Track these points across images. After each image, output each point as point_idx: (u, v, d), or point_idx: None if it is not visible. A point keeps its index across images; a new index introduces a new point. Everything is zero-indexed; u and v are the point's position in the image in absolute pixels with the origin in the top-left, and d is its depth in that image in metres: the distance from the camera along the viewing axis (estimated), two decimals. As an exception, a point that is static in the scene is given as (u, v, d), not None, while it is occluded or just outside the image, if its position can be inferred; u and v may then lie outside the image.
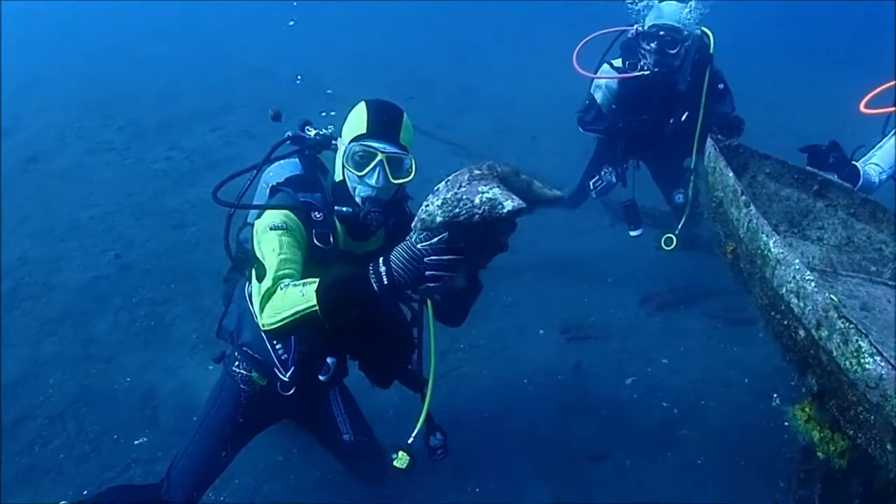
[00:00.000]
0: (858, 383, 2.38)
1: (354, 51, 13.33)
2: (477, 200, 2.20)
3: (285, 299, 2.56)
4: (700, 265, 6.06)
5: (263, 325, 2.63)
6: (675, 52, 5.16)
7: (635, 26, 5.27)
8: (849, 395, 2.48)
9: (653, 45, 5.16)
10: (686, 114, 5.37)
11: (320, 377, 3.13)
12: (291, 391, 3.14)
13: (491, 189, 2.22)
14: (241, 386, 3.33)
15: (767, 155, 3.73)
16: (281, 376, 3.14)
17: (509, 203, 2.18)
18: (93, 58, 12.38)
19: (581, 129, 5.67)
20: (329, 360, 3.13)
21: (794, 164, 3.76)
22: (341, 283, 2.50)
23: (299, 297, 2.51)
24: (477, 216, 2.20)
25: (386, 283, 2.38)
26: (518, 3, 16.63)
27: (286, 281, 2.64)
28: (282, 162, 3.25)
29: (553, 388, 4.74)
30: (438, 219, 2.27)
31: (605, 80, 5.45)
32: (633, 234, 5.92)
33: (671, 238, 5.59)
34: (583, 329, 5.42)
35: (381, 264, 2.40)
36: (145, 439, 4.32)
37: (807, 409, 2.91)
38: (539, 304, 5.75)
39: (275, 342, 3.10)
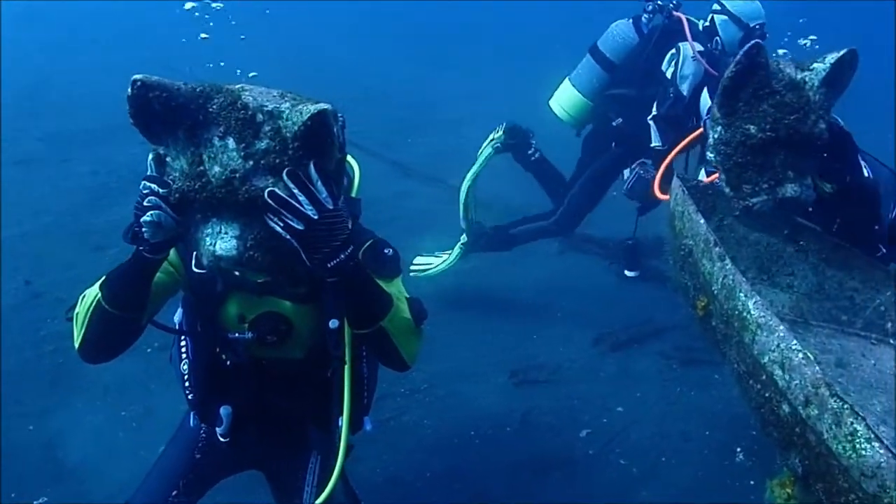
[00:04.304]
0: (852, 470, 2.10)
1: (306, 61, 12.94)
2: None
3: (83, 304, 2.32)
4: (651, 298, 5.90)
5: (77, 349, 2.38)
6: None
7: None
8: (840, 481, 2.19)
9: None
10: None
11: (216, 429, 2.71)
12: (227, 440, 2.73)
13: None
14: None
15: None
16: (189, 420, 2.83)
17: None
18: (25, 64, 11.71)
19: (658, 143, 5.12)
20: (223, 411, 2.67)
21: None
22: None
23: (91, 295, 2.29)
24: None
25: (130, 238, 2.07)
26: (474, 29, 16.58)
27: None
28: None
29: (502, 443, 4.42)
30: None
31: (693, 68, 5.08)
32: (629, 274, 5.63)
33: None
34: (532, 372, 5.12)
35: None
36: (46, 499, 3.89)
37: (787, 488, 2.61)
38: (485, 341, 5.45)
39: (185, 382, 2.73)
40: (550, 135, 5.99)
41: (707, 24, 5.19)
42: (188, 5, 10.13)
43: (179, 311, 2.72)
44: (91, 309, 2.26)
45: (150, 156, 1.99)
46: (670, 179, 3.89)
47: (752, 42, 2.89)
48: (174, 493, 2.88)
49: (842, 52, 2.88)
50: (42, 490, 3.92)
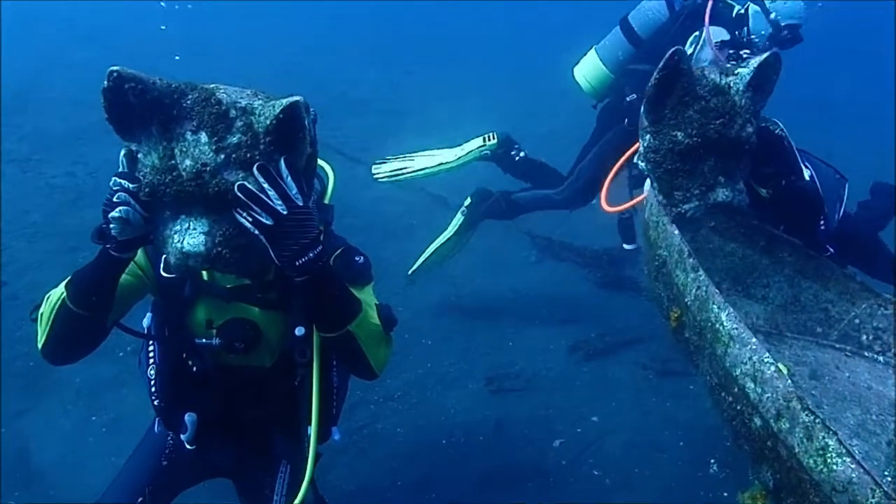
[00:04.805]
0: (823, 485, 2.09)
1: (284, 63, 12.86)
2: None
3: (48, 304, 2.28)
4: (628, 308, 5.91)
5: (40, 349, 2.34)
6: None
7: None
8: (811, 495, 2.18)
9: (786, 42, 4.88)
10: None
11: (181, 436, 2.65)
12: (194, 447, 2.67)
13: None
14: None
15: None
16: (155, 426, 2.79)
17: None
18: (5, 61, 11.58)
19: None
20: (188, 418, 2.62)
21: (740, 218, 3.50)
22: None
23: (56, 294, 2.26)
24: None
25: (98, 237, 2.05)
26: (454, 30, 16.54)
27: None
28: None
29: (475, 451, 4.38)
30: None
31: (709, 55, 4.88)
32: (627, 247, 5.52)
33: None
34: (507, 380, 5.08)
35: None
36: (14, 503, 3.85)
37: (759, 501, 2.60)
38: (461, 348, 5.41)
39: (152, 388, 2.66)
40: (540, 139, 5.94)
41: (742, 11, 4.98)
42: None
43: (149, 315, 2.67)
44: (56, 308, 2.22)
45: (122, 152, 1.98)
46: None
47: (673, 49, 2.89)
48: (140, 499, 2.83)
49: (765, 56, 2.92)
50: (10, 494, 3.87)
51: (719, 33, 4.88)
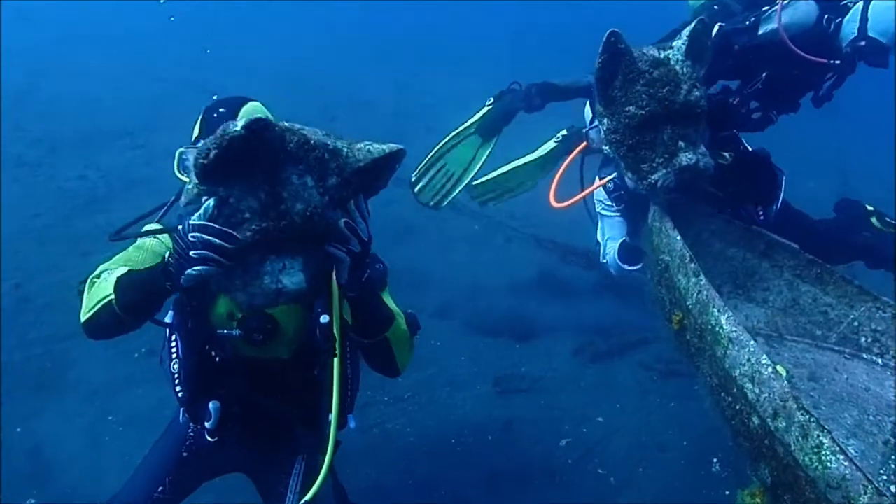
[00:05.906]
0: (818, 481, 2.17)
1: (290, 68, 12.93)
2: (210, 140, 1.87)
3: (97, 290, 2.40)
4: (632, 310, 5.93)
5: (81, 324, 2.46)
6: None
7: None
8: (807, 492, 2.26)
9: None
10: None
11: (206, 424, 2.72)
12: (215, 438, 2.76)
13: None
14: None
15: (713, 213, 3.55)
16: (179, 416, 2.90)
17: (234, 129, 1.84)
18: (14, 66, 11.66)
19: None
20: (211, 405, 2.69)
21: (740, 223, 3.58)
22: (140, 273, 2.33)
23: (107, 286, 2.36)
24: (213, 152, 1.84)
25: (163, 272, 2.12)
26: (461, 34, 16.56)
27: (108, 272, 2.44)
28: None
29: (483, 450, 4.46)
30: (194, 180, 1.96)
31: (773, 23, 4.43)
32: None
33: None
34: (514, 381, 5.16)
35: (168, 256, 2.10)
36: (33, 501, 3.91)
37: (758, 498, 2.68)
38: (469, 349, 5.48)
39: (176, 380, 2.74)
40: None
41: (850, 3, 4.40)
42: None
43: (170, 312, 2.78)
44: (102, 305, 2.33)
45: (212, 201, 1.94)
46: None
47: (609, 31, 3.05)
48: (160, 489, 2.93)
49: (693, 25, 3.13)
50: (29, 492, 3.95)
51: (805, 8, 4.43)
